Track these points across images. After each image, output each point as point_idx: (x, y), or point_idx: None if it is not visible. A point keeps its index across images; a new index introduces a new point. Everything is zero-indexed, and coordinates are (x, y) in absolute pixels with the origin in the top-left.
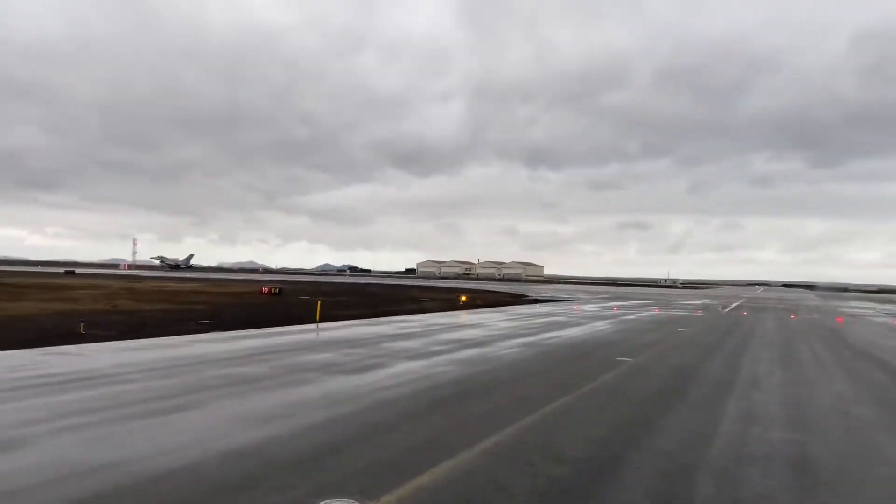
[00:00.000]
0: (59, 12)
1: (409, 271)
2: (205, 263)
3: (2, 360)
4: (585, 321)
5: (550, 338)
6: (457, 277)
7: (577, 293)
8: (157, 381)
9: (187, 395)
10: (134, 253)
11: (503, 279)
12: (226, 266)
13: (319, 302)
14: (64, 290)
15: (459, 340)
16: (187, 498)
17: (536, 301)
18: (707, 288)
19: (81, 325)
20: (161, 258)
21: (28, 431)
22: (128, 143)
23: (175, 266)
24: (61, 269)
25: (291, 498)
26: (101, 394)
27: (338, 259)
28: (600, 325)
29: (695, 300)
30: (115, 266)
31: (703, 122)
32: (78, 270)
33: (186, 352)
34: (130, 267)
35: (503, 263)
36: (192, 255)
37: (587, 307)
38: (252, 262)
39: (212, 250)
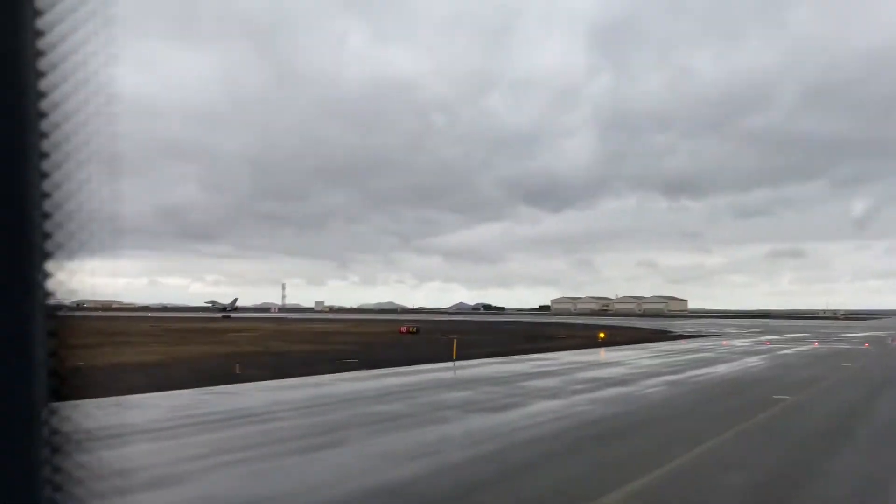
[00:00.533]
0: (215, 79)
1: (544, 308)
2: (347, 305)
3: (170, 400)
4: (736, 357)
5: (698, 375)
6: (593, 314)
7: (726, 328)
8: (306, 419)
9: (334, 433)
10: (283, 297)
11: (643, 315)
12: (366, 307)
13: (455, 340)
14: (221, 333)
15: (599, 379)
16: None
17: (681, 337)
18: (872, 319)
19: (237, 365)
20: (213, 302)
21: (187, 468)
22: (276, 195)
23: (223, 309)
24: (219, 314)
25: None
26: (254, 431)
27: (472, 297)
28: (753, 361)
29: (859, 332)
30: (266, 309)
31: (859, 140)
32: (233, 315)
33: (332, 390)
34: (280, 310)
35: (643, 298)
36: (236, 300)
37: (737, 342)
38: (391, 303)
39: (353, 292)
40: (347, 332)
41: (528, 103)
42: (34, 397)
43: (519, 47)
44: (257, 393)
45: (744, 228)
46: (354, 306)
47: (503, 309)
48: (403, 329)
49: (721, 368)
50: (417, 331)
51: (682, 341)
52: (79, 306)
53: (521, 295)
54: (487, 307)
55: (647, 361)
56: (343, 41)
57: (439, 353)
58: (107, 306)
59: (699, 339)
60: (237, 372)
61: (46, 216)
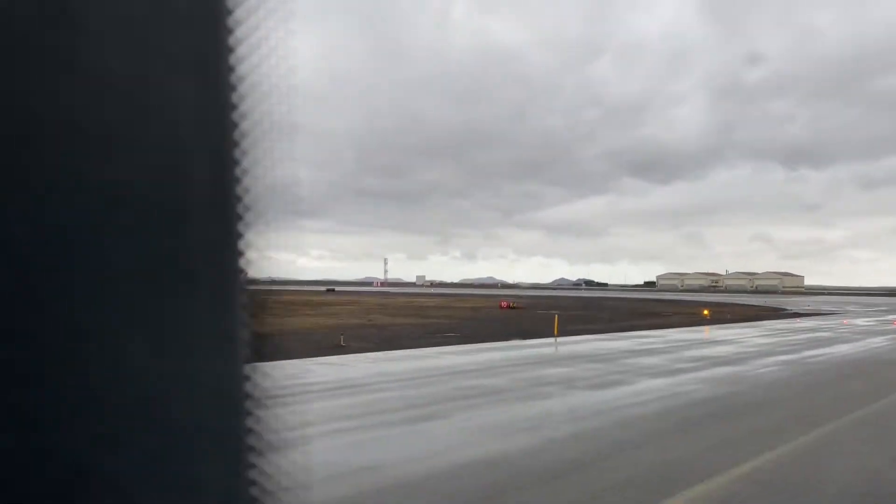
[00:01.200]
0: (316, 57)
1: (649, 284)
2: (447, 279)
3: (280, 369)
4: (858, 337)
5: (815, 356)
6: (702, 290)
7: (846, 305)
8: (409, 391)
9: (437, 405)
10: (385, 271)
11: (756, 291)
12: (467, 282)
13: (557, 316)
14: (326, 306)
15: (707, 357)
16: (436, 502)
17: (797, 315)
18: None
19: (342, 337)
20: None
21: (299, 434)
22: (378, 172)
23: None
24: (323, 288)
25: None
26: (360, 401)
27: (573, 273)
28: (877, 342)
29: None
30: (368, 284)
31: None
32: (337, 288)
33: (434, 363)
34: (382, 284)
35: (755, 274)
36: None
37: (859, 321)
38: (491, 278)
39: (454, 267)
40: (448, 306)
41: (634, 71)
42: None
43: (626, 12)
44: (362, 364)
45: (869, 200)
46: (455, 281)
47: (606, 285)
48: (504, 304)
49: (841, 349)
50: (518, 306)
51: (798, 319)
52: (271, 281)
53: (625, 270)
54: (589, 283)
55: (759, 340)
56: (445, 13)
57: (540, 329)
58: None
59: (816, 317)
60: (342, 343)
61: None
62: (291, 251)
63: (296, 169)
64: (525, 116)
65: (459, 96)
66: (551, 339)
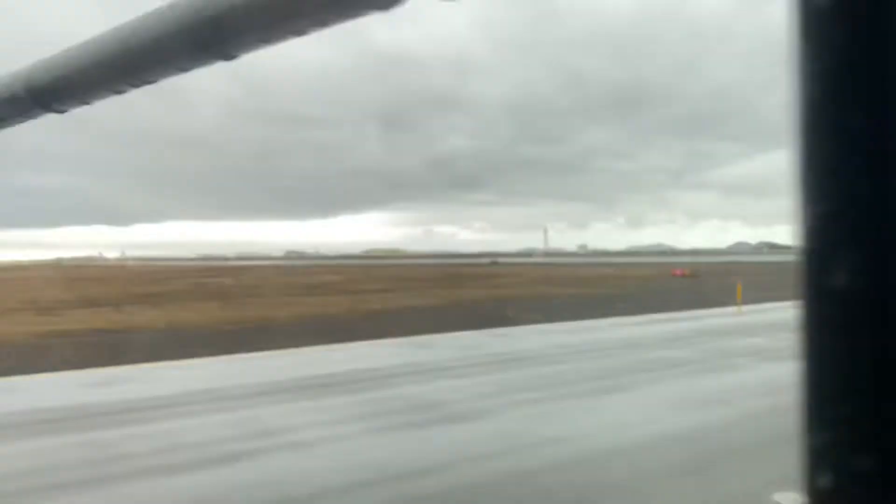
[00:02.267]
0: (474, 27)
1: None
2: (612, 248)
3: (457, 340)
4: None
5: None
6: None
7: None
8: (587, 363)
9: (618, 377)
10: (546, 241)
11: None
12: (633, 250)
13: (739, 283)
14: (491, 278)
15: None
16: (632, 475)
17: None
18: None
19: (510, 309)
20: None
21: (482, 405)
22: (537, 139)
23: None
24: (486, 260)
25: (743, 488)
26: (536, 373)
27: (754, 236)
28: None
29: None
30: (529, 255)
31: None
32: (500, 260)
33: (609, 335)
34: (544, 255)
35: None
36: None
37: None
38: (659, 245)
39: (618, 234)
40: (615, 275)
41: None
42: None
43: None
44: (533, 336)
45: None
46: (620, 249)
47: (791, 248)
48: (677, 272)
49: None
50: (693, 273)
51: None
52: (369, 255)
53: None
54: (773, 246)
55: None
56: None
57: (720, 297)
58: (390, 254)
59: None
60: (510, 315)
61: None
62: (454, 224)
63: (456, 141)
64: (695, 68)
65: (620, 52)
66: (734, 308)
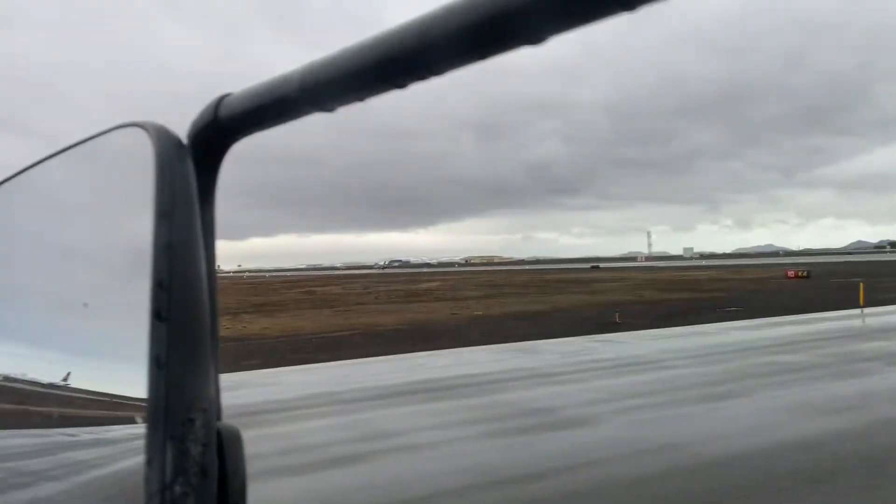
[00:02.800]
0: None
1: None
2: (718, 250)
3: (562, 346)
4: None
5: None
6: None
7: None
8: (700, 368)
9: (734, 382)
10: (649, 245)
11: None
12: (742, 251)
13: (862, 284)
14: (593, 283)
15: None
16: (754, 483)
17: None
18: None
19: (616, 314)
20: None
21: (595, 410)
22: (635, 140)
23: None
24: (587, 265)
25: (874, 496)
26: (649, 378)
27: (874, 234)
28: None
29: None
30: (632, 259)
31: None
32: (601, 265)
33: (721, 339)
34: (647, 259)
35: None
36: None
37: None
38: (769, 246)
39: (725, 236)
40: (723, 278)
41: None
42: None
43: None
44: (642, 341)
45: None
46: (728, 251)
47: None
48: (791, 273)
49: None
50: (808, 274)
51: None
52: (468, 262)
53: None
54: (895, 244)
55: None
56: None
57: (839, 300)
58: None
59: None
60: (617, 321)
61: None
62: (553, 229)
63: (553, 146)
64: (805, 60)
65: (723, 47)
66: (856, 311)
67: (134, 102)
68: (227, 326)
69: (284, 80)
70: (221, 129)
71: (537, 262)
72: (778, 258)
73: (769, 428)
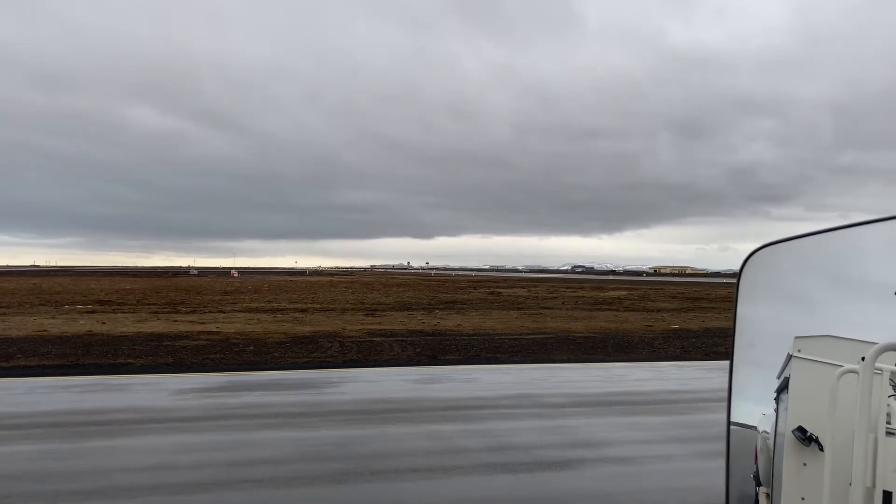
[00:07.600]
0: (787, 18)
1: None
2: None
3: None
4: None
5: None
6: None
7: None
8: None
9: None
10: None
11: None
12: None
13: None
14: None
15: None
16: None
17: None
18: None
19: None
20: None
21: None
22: (863, 143)
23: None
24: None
25: None
26: None
27: None
28: None
29: None
30: None
31: None
32: None
33: None
34: None
35: None
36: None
37: None
38: None
39: None
40: None
41: None
42: None
43: None
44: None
45: None
46: None
47: None
48: None
49: None
50: None
51: None
52: (656, 272)
53: None
54: None
55: None
56: None
57: None
58: (680, 271)
59: None
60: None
61: None
62: (754, 240)
63: (760, 149)
64: None
65: None
66: None
67: (334, 102)
68: (421, 321)
69: None
70: None
71: (734, 275)
72: None
73: None
